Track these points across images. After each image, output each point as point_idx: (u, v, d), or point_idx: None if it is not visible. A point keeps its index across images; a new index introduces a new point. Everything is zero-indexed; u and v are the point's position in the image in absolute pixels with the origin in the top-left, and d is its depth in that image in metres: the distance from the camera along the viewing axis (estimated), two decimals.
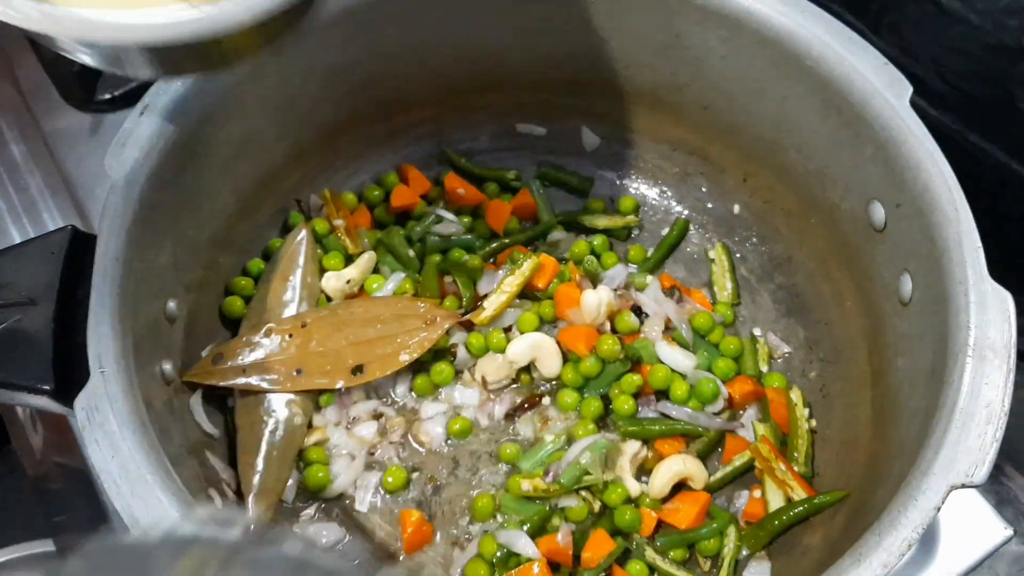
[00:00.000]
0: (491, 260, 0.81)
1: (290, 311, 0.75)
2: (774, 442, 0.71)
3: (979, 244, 0.58)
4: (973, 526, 0.72)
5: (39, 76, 0.97)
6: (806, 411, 0.73)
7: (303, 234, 0.77)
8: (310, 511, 0.71)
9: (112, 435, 0.53)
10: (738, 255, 0.82)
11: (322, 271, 0.78)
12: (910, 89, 0.64)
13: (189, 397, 0.69)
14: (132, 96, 0.93)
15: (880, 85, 0.64)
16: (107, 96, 0.94)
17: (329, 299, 0.78)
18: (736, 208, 0.83)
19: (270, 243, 0.80)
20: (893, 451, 0.60)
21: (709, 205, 0.84)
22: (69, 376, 0.59)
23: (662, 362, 0.74)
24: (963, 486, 0.51)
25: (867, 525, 0.53)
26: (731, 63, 0.72)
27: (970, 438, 0.52)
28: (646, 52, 0.76)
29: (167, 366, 0.65)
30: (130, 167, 0.62)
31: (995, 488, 0.78)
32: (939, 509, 0.50)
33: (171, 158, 0.64)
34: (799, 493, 0.68)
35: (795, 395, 0.73)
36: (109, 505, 0.65)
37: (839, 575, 0.49)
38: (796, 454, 0.71)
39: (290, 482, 0.70)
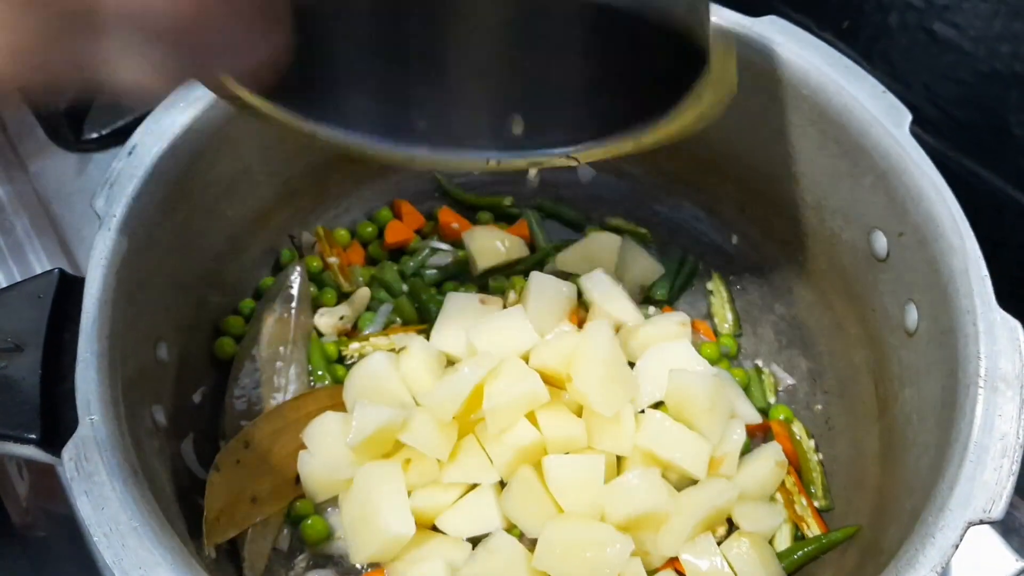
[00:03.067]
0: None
1: (284, 349, 0.73)
2: (791, 483, 0.70)
3: (986, 273, 0.57)
4: (984, 559, 0.71)
5: (25, 116, 0.96)
6: (812, 442, 0.72)
7: (297, 271, 0.76)
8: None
9: (101, 486, 0.51)
10: (737, 287, 0.81)
11: (315, 308, 0.77)
12: (909, 117, 0.64)
13: (180, 443, 0.67)
14: (120, 134, 0.92)
15: (879, 113, 0.64)
16: (94, 135, 0.93)
17: (321, 335, 0.76)
18: (734, 239, 0.82)
19: (261, 282, 0.78)
20: (904, 486, 0.59)
21: (706, 236, 0.83)
22: (57, 424, 0.57)
23: None
24: (981, 522, 0.49)
25: (881, 564, 0.51)
26: None
27: (986, 472, 0.50)
28: None
29: (158, 411, 0.64)
30: (118, 208, 0.60)
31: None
32: (957, 547, 0.49)
33: (160, 198, 0.63)
34: (814, 529, 0.66)
35: (797, 429, 0.72)
36: (98, 556, 0.63)
37: None
38: (813, 488, 0.70)
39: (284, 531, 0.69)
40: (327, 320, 0.76)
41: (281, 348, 0.73)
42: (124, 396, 0.56)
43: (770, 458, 0.68)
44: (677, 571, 0.66)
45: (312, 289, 0.78)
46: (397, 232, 0.82)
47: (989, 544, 0.72)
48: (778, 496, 0.69)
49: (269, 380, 0.72)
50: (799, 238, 0.76)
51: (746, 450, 0.70)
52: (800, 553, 0.65)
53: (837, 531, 0.65)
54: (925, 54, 0.84)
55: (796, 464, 0.71)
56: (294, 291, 0.76)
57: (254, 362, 0.72)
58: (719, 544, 0.65)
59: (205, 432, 0.70)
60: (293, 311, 0.75)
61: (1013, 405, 0.52)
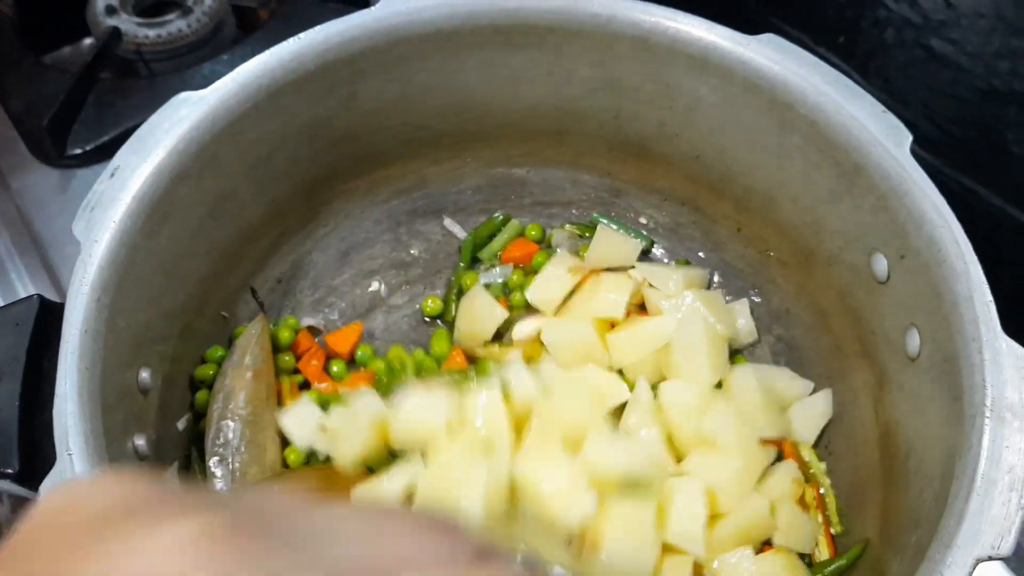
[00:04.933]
0: None
1: (258, 410, 0.70)
2: (811, 496, 0.69)
3: (990, 299, 0.56)
4: None
5: (7, 130, 0.94)
6: (823, 465, 0.70)
7: (258, 327, 0.74)
8: None
9: None
10: (734, 307, 0.79)
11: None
12: (910, 137, 0.62)
13: (165, 470, 0.65)
14: (103, 150, 0.91)
15: (879, 133, 0.62)
16: (77, 151, 0.91)
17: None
18: (730, 259, 0.80)
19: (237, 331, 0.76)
20: (908, 517, 0.57)
21: (702, 255, 0.81)
22: (35, 457, 0.55)
23: None
24: (989, 558, 0.48)
25: None
26: (723, 112, 0.70)
27: (994, 507, 0.49)
28: (635, 101, 0.74)
29: (140, 440, 0.62)
30: (99, 233, 0.59)
31: None
32: None
33: (143, 221, 0.61)
34: (822, 549, 0.65)
35: (807, 453, 0.70)
36: None
37: None
38: (829, 512, 0.68)
39: None
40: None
41: (255, 408, 0.70)
42: (105, 427, 0.55)
43: (787, 475, 0.67)
44: None
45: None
46: None
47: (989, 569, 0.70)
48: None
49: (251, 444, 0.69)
50: (797, 259, 0.75)
51: None
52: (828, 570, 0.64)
53: (841, 556, 0.63)
54: (922, 71, 0.83)
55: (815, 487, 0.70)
56: (257, 351, 0.72)
57: (233, 421, 0.69)
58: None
59: (190, 458, 0.69)
60: (253, 365, 0.72)
61: (1021, 436, 0.51)
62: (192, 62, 1.00)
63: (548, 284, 0.78)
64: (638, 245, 0.81)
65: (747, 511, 0.66)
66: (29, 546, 0.22)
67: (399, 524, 0.25)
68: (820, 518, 0.67)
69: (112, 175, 0.61)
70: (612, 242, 0.81)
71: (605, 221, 0.83)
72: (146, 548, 0.20)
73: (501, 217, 0.84)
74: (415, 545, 0.24)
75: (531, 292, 0.78)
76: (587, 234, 0.82)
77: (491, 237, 0.83)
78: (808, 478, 0.70)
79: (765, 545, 0.67)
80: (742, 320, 0.77)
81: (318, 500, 0.25)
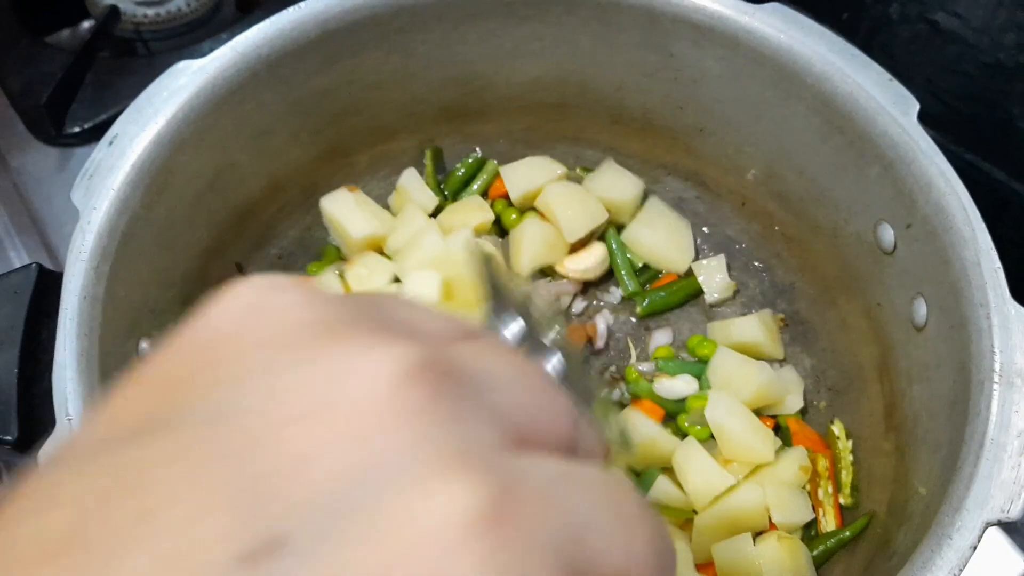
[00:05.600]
0: None
1: None
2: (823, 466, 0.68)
3: (998, 265, 0.55)
4: (990, 560, 0.69)
5: (4, 109, 0.94)
6: (849, 443, 0.69)
7: None
8: None
9: None
10: (739, 282, 0.79)
11: None
12: (916, 105, 0.62)
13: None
14: (102, 128, 0.89)
15: (885, 102, 0.62)
16: (76, 129, 0.90)
17: None
18: (734, 233, 0.80)
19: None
20: (916, 486, 0.57)
21: (705, 230, 0.81)
22: (34, 425, 0.55)
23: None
24: (999, 522, 0.48)
25: (893, 566, 0.50)
26: (727, 84, 0.70)
27: (1003, 471, 0.48)
28: (638, 73, 0.73)
29: None
30: (98, 200, 0.58)
31: None
32: (975, 548, 0.47)
33: (142, 190, 0.60)
34: (829, 519, 0.64)
35: (837, 428, 0.70)
36: None
37: None
38: (841, 484, 0.68)
39: None
40: None
41: None
42: (103, 395, 0.54)
43: (795, 463, 0.67)
44: None
45: None
46: None
47: (998, 546, 0.70)
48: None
49: None
50: (803, 232, 0.74)
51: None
52: (821, 548, 0.64)
53: (847, 527, 0.63)
54: (927, 46, 0.82)
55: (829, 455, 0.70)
56: None
57: None
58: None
59: None
60: None
61: None
62: (191, 41, 0.99)
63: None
64: (640, 185, 0.80)
65: (742, 500, 0.65)
66: (222, 353, 0.21)
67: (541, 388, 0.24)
68: (830, 488, 0.67)
69: (110, 143, 0.60)
70: (616, 175, 0.80)
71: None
72: (362, 366, 0.20)
73: (473, 160, 0.83)
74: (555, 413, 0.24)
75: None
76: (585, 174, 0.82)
77: (467, 183, 0.82)
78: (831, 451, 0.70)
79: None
80: (719, 276, 0.77)
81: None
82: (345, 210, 0.76)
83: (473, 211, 0.78)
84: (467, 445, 0.19)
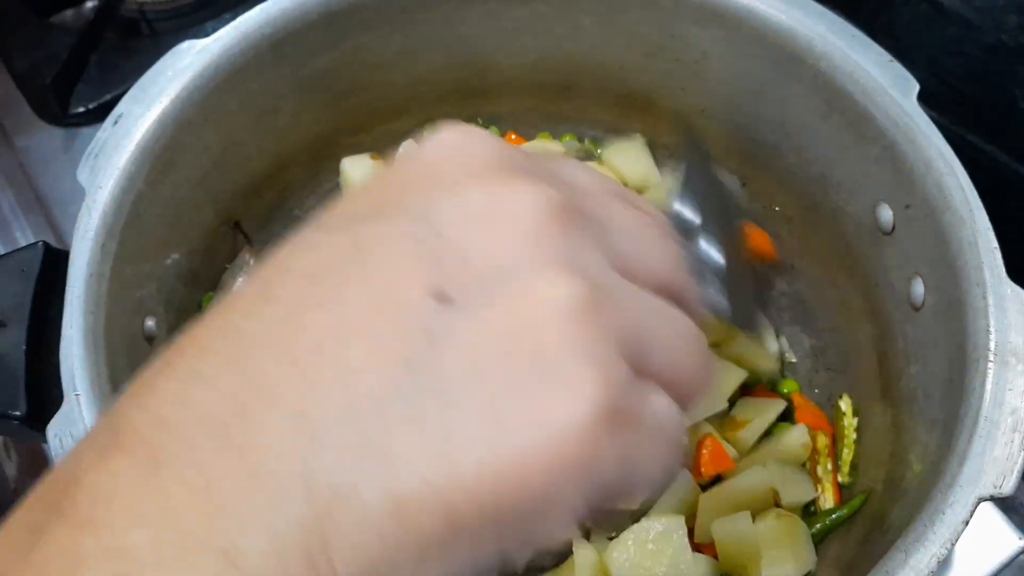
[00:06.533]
0: None
1: None
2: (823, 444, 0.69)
3: (995, 244, 0.56)
4: (985, 537, 0.70)
5: (10, 90, 0.94)
6: (855, 420, 0.70)
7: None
8: None
9: None
10: None
11: None
12: (917, 86, 0.62)
13: None
14: (107, 108, 0.89)
15: (885, 82, 0.62)
16: (81, 109, 0.91)
17: None
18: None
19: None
20: (911, 463, 0.57)
21: None
22: (42, 402, 0.56)
23: None
24: (991, 498, 0.48)
25: (888, 541, 0.50)
26: (730, 64, 0.70)
27: (996, 448, 0.49)
28: (640, 53, 0.73)
29: None
30: (103, 179, 0.59)
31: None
32: (967, 523, 0.47)
33: (147, 169, 0.61)
34: (827, 495, 0.65)
35: (844, 404, 0.70)
36: None
37: None
38: (840, 462, 0.69)
39: None
40: None
41: None
42: (110, 371, 0.55)
43: (797, 440, 0.67)
44: None
45: None
46: None
47: (994, 524, 0.70)
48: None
49: None
50: (803, 213, 0.74)
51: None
52: (819, 526, 0.65)
53: (844, 505, 0.64)
54: (930, 27, 0.82)
55: (830, 433, 0.71)
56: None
57: None
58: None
59: None
60: None
61: None
62: (195, 21, 0.99)
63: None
64: (652, 168, 0.80)
65: (748, 481, 0.66)
66: (427, 172, 0.30)
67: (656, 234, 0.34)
68: (830, 466, 0.67)
69: (115, 122, 0.61)
70: (633, 149, 0.80)
71: None
72: (523, 197, 0.28)
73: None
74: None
75: None
76: (597, 151, 0.82)
77: None
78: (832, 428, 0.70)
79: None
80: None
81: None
82: (365, 175, 0.76)
83: None
84: (577, 262, 0.28)
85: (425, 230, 0.27)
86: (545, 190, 0.28)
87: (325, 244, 0.28)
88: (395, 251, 0.27)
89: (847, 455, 0.69)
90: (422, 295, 0.26)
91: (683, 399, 0.30)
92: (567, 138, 0.83)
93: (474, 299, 0.26)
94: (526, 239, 0.27)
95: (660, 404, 0.29)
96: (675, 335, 0.30)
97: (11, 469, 0.79)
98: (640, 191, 0.79)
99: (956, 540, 0.47)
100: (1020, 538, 0.70)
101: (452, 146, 0.30)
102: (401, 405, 0.25)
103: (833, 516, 0.64)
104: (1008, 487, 0.48)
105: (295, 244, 0.29)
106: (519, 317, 0.26)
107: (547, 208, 0.28)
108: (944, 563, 0.68)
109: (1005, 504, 0.73)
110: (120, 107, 0.62)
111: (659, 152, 0.81)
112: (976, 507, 0.48)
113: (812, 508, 0.67)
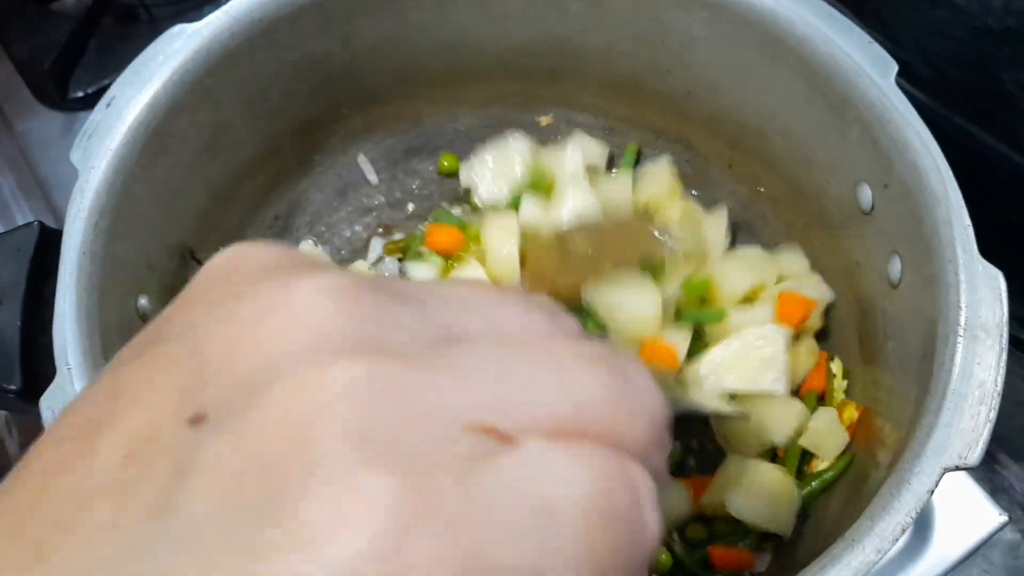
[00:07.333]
0: None
1: None
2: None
3: (968, 222, 0.57)
4: (967, 513, 0.71)
5: (10, 75, 0.96)
6: (844, 383, 0.71)
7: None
8: None
9: None
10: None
11: None
12: (895, 67, 0.63)
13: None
14: (105, 92, 0.92)
15: (865, 64, 0.63)
16: (80, 94, 0.93)
17: None
18: (722, 196, 0.81)
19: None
20: (884, 437, 0.59)
21: (695, 192, 0.82)
22: (37, 376, 0.57)
23: None
24: (957, 468, 0.49)
25: (860, 509, 0.51)
26: (714, 47, 0.71)
27: (963, 419, 0.50)
28: (626, 38, 0.74)
29: None
30: (96, 160, 0.60)
31: (989, 476, 0.77)
32: (932, 492, 0.49)
33: (139, 150, 0.62)
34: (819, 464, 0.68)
35: (835, 366, 0.72)
36: None
37: (832, 560, 0.48)
38: None
39: None
40: None
41: None
42: (103, 347, 0.56)
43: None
44: None
45: None
46: None
47: (975, 501, 0.72)
48: None
49: None
50: (787, 195, 0.75)
51: None
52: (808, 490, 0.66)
53: (828, 468, 0.66)
54: (916, 10, 0.83)
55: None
56: None
57: None
58: None
59: None
60: None
61: (992, 354, 0.52)
62: (192, 6, 1.00)
63: None
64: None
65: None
66: (199, 294, 0.27)
67: (512, 300, 0.28)
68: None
69: (108, 105, 0.62)
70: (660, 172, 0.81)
71: None
72: (296, 287, 0.25)
73: None
74: (527, 318, 0.27)
75: None
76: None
77: None
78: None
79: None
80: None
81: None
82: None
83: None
84: (365, 340, 0.24)
85: (187, 350, 0.24)
86: (326, 278, 0.25)
87: (83, 398, 0.26)
88: (150, 386, 0.24)
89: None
90: (175, 424, 0.23)
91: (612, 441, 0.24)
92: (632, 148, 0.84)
93: (230, 410, 0.22)
94: (298, 329, 0.24)
95: (548, 469, 0.23)
96: (545, 373, 0.25)
97: (13, 446, 0.80)
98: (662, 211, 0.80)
99: (920, 508, 0.48)
100: (1001, 514, 0.71)
101: (228, 258, 0.28)
102: (147, 564, 0.21)
103: (823, 476, 0.66)
104: (973, 458, 0.49)
105: (66, 406, 0.27)
106: (282, 416, 0.22)
107: (330, 292, 0.24)
108: (928, 538, 0.70)
109: (994, 486, 0.75)
110: (112, 90, 0.63)
111: (647, 134, 0.82)
112: (941, 477, 0.49)
113: (804, 469, 0.68)
